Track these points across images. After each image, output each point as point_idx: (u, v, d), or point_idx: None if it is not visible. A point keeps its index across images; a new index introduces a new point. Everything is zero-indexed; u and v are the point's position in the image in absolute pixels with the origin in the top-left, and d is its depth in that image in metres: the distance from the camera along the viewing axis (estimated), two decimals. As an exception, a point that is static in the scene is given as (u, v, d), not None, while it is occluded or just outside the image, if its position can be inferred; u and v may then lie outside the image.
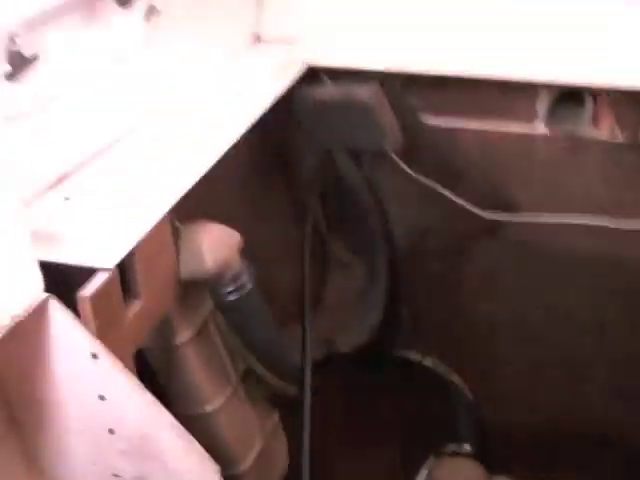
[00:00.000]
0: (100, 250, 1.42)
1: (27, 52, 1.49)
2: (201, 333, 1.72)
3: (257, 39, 2.19)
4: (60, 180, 1.60)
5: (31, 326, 1.33)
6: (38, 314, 1.32)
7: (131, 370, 1.42)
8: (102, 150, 1.69)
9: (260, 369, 1.84)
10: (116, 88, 1.73)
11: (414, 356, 2.52)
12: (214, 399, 1.76)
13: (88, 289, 1.36)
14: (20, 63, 1.48)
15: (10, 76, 1.49)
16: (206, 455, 1.35)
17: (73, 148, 1.62)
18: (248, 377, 1.88)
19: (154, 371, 1.72)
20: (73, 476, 1.49)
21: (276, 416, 1.99)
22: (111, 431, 1.39)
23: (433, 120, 2.17)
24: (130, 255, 1.45)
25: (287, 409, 1.99)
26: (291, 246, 2.15)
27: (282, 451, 2.01)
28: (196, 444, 1.35)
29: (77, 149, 1.63)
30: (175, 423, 1.35)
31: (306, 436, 1.84)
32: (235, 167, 1.88)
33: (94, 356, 1.33)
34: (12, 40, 1.47)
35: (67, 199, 1.54)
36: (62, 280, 1.38)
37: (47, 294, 1.32)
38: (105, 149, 1.69)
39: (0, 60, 1.45)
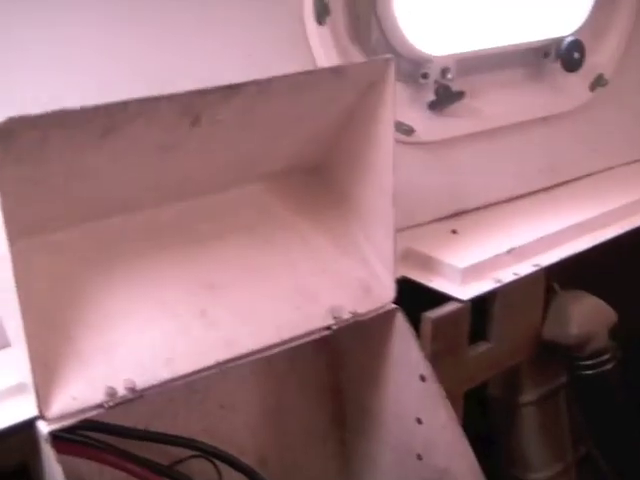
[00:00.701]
0: (463, 283, 1.45)
1: (455, 87, 1.56)
2: (548, 399, 1.69)
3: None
4: (455, 214, 1.65)
5: (373, 331, 1.40)
6: (383, 321, 1.38)
7: (457, 405, 1.42)
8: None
9: (600, 459, 1.75)
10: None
11: None
12: (542, 469, 1.71)
13: (434, 312, 1.40)
14: (445, 96, 1.56)
15: (433, 105, 1.57)
16: (496, 510, 1.32)
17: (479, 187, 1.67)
18: (586, 464, 1.79)
19: (491, 422, 1.71)
20: (376, 488, 1.53)
21: (604, 515, 1.88)
22: (419, 457, 1.41)
23: None
24: (491, 297, 1.47)
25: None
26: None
27: None
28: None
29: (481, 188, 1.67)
30: (478, 469, 1.33)
31: None
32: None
33: (422, 378, 1.36)
34: (443, 73, 1.56)
35: (454, 232, 1.59)
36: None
37: (396, 306, 1.37)
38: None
39: (428, 89, 1.54)
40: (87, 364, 1.15)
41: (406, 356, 1.38)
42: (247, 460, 1.41)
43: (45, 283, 1.17)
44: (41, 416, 1.10)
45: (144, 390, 1.16)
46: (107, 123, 1.06)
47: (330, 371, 1.55)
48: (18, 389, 1.15)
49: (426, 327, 1.39)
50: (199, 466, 1.39)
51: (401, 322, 1.37)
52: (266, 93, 1.17)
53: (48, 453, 1.09)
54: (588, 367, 1.61)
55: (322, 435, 1.58)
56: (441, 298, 1.45)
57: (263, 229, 1.37)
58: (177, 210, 1.32)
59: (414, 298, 1.42)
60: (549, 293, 1.60)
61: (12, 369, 1.16)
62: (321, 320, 1.31)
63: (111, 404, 1.13)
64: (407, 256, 1.51)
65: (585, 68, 1.76)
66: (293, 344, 1.28)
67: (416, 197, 1.57)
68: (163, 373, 1.18)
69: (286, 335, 1.28)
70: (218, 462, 1.39)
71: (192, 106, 1.12)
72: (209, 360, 1.22)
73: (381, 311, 1.36)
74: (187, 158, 1.22)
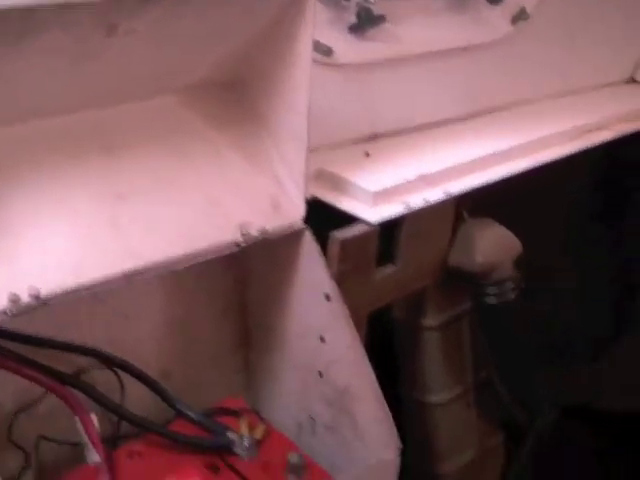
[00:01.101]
0: (371, 206, 1.46)
1: (377, 11, 1.56)
2: (451, 325, 1.73)
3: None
4: (370, 138, 1.66)
5: (280, 249, 1.41)
6: (291, 240, 1.39)
7: (360, 327, 1.44)
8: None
9: (498, 383, 1.80)
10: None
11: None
12: (441, 392, 1.76)
13: (343, 233, 1.41)
14: (366, 19, 1.55)
15: (353, 28, 1.56)
16: (394, 429, 1.35)
17: (396, 112, 1.67)
18: (485, 388, 1.84)
19: (394, 345, 1.74)
20: (277, 404, 1.56)
21: (500, 437, 1.94)
22: (321, 374, 1.44)
23: None
24: (400, 221, 1.48)
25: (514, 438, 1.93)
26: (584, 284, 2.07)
27: (493, 474, 1.96)
28: (388, 415, 1.35)
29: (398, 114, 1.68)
30: (377, 389, 1.36)
31: (516, 469, 1.78)
32: (549, 183, 1.84)
33: (327, 297, 1.37)
34: (366, -3, 1.55)
35: (368, 155, 1.60)
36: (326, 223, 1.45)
37: (305, 225, 1.38)
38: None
39: (349, 11, 1.53)
40: (-10, 270, 1.14)
41: (312, 275, 1.39)
42: (151, 373, 1.42)
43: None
44: (-60, 320, 1.09)
45: (48, 298, 1.15)
46: (20, 27, 1.03)
47: (237, 288, 1.56)
48: None
49: (334, 247, 1.40)
50: (102, 376, 1.40)
51: (309, 241, 1.38)
52: (184, 5, 1.15)
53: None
54: (491, 295, 1.64)
55: (227, 351, 1.60)
56: (350, 220, 1.46)
57: (177, 142, 1.36)
58: (90, 119, 1.30)
59: (324, 219, 1.43)
60: (458, 220, 1.62)
61: None
62: (229, 235, 1.32)
63: (14, 311, 1.12)
64: (319, 176, 1.51)
65: (507, 1, 1.77)
66: (200, 259, 1.29)
67: (331, 118, 1.57)
68: (68, 282, 1.17)
69: (193, 248, 1.28)
70: (121, 373, 1.40)
71: (108, 15, 1.10)
72: (116, 270, 1.21)
73: (290, 230, 1.38)
74: (103, 68, 1.20)
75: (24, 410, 1.36)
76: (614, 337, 2.28)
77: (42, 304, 1.15)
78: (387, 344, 1.74)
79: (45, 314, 1.18)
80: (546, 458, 1.95)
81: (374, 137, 1.67)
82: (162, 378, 1.46)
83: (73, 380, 1.33)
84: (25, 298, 1.13)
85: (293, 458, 1.33)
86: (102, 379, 1.40)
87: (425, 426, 1.76)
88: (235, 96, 1.40)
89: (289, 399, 1.53)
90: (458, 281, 1.68)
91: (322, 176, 1.52)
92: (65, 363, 1.37)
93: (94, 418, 1.30)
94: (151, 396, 1.42)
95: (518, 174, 1.65)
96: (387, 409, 1.35)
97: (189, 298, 1.52)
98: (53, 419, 1.41)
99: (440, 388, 1.76)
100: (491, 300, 1.64)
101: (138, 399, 1.43)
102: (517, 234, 1.68)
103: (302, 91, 1.30)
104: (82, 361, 1.39)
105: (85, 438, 1.30)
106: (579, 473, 2.23)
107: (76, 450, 1.39)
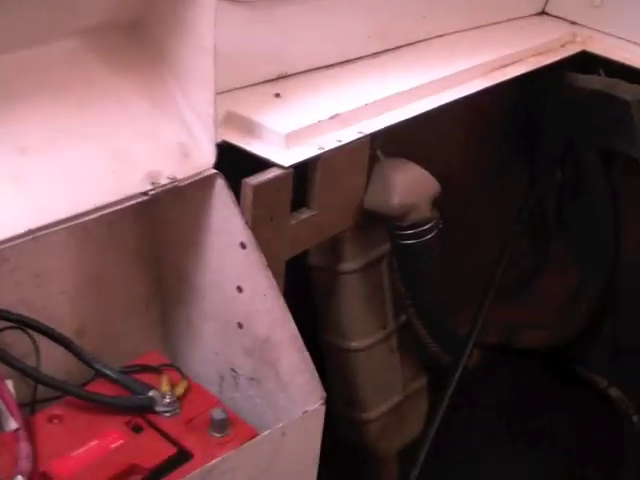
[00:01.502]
0: (284, 149, 1.42)
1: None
2: (370, 268, 1.70)
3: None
4: (279, 78, 1.61)
5: (193, 197, 1.36)
6: (202, 187, 1.35)
7: (279, 274, 1.40)
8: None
9: (419, 325, 1.79)
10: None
11: (599, 380, 2.35)
12: (362, 338, 1.74)
13: (254, 178, 1.37)
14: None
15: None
16: (317, 378, 1.32)
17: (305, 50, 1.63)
18: (406, 331, 1.83)
19: (312, 291, 1.71)
20: (197, 358, 1.51)
21: (424, 380, 1.94)
22: (240, 325, 1.40)
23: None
24: (313, 162, 1.44)
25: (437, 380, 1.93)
26: (502, 222, 2.06)
27: (418, 417, 1.96)
28: (311, 364, 1.32)
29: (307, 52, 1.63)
30: (297, 336, 1.32)
31: (440, 410, 1.78)
32: (464, 120, 1.82)
33: (242, 245, 1.33)
34: None
35: (278, 96, 1.55)
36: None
37: (216, 171, 1.33)
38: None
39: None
40: None
41: (226, 223, 1.35)
42: (65, 331, 1.37)
43: None
44: None
45: (-54, 259, 1.10)
46: None
47: (149, 239, 1.51)
48: None
49: (247, 193, 1.36)
50: (14, 338, 1.34)
51: (221, 188, 1.34)
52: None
53: None
54: (409, 236, 1.62)
55: (142, 304, 1.55)
56: (263, 164, 1.42)
57: (78, 89, 1.30)
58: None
59: (236, 164, 1.38)
60: (372, 161, 1.59)
61: None
62: (138, 185, 1.27)
63: None
64: (228, 120, 1.46)
65: None
66: (109, 210, 1.24)
67: (238, 58, 1.52)
68: (-31, 241, 1.12)
69: (101, 201, 1.23)
70: (34, 334, 1.34)
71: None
72: (20, 228, 1.16)
73: (201, 176, 1.33)
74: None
75: None
76: (531, 275, 2.29)
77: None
78: (304, 291, 1.70)
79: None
80: (469, 398, 1.95)
81: (283, 77, 1.62)
82: (77, 336, 1.42)
83: (-17, 345, 1.27)
84: None
85: (216, 414, 1.29)
86: (14, 342, 1.34)
87: (348, 373, 1.74)
88: (137, 38, 1.34)
89: (209, 352, 1.49)
90: (375, 223, 1.65)
91: (231, 119, 1.47)
92: (-28, 327, 1.31)
93: (9, 384, 1.25)
94: (68, 357, 1.37)
95: (432, 110, 1.62)
96: (309, 358, 1.32)
97: (100, 252, 1.46)
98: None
99: (361, 333, 1.74)
100: (409, 242, 1.62)
101: (54, 361, 1.38)
102: (433, 172, 1.65)
103: (207, 30, 1.25)
104: (-9, 324, 1.33)
105: (1, 405, 1.24)
106: (500, 411, 2.26)
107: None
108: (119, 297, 1.51)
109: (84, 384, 1.36)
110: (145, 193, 1.27)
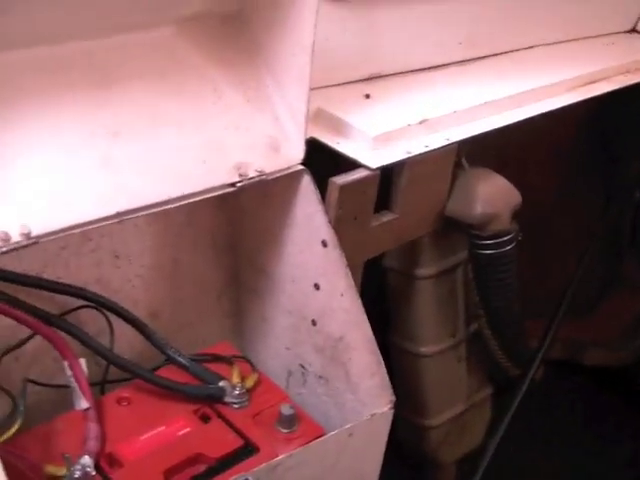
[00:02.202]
0: (371, 150, 1.42)
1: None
2: (445, 275, 1.70)
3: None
4: (370, 79, 1.61)
5: (279, 191, 1.37)
6: (289, 183, 1.35)
7: (356, 275, 1.40)
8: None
9: (490, 336, 1.77)
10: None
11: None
12: (432, 344, 1.74)
13: (341, 178, 1.37)
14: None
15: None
16: (387, 382, 1.31)
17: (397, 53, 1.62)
18: (476, 341, 1.82)
19: (385, 293, 1.71)
20: (267, 351, 1.52)
21: (489, 391, 1.92)
22: (314, 322, 1.40)
23: None
24: (399, 166, 1.44)
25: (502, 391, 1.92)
26: (580, 237, 2.04)
27: (480, 427, 1.95)
28: (382, 367, 1.31)
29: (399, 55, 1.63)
30: (371, 338, 1.32)
31: (505, 421, 1.76)
32: (544, 133, 1.80)
33: (324, 243, 1.33)
34: None
35: (368, 97, 1.55)
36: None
37: (303, 167, 1.33)
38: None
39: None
40: (-19, 206, 1.09)
41: (309, 220, 1.35)
42: (139, 314, 1.38)
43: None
44: None
45: (40, 237, 1.10)
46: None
47: (229, 230, 1.52)
48: None
49: (333, 192, 1.36)
50: (89, 317, 1.35)
51: (307, 184, 1.33)
52: None
53: None
54: (488, 247, 1.61)
55: (214, 293, 1.56)
56: (349, 165, 1.42)
57: (173, 76, 1.30)
58: (84, 48, 1.24)
59: (321, 162, 1.38)
60: (457, 169, 1.58)
61: None
62: (226, 176, 1.27)
63: (4, 250, 1.08)
64: (317, 117, 1.46)
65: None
66: (196, 199, 1.24)
67: (331, 56, 1.51)
68: (60, 220, 1.13)
69: (189, 189, 1.24)
70: (109, 314, 1.35)
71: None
72: (109, 210, 1.17)
73: (288, 171, 1.33)
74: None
75: (9, 352, 1.31)
76: (601, 294, 2.27)
77: (33, 243, 1.10)
78: (378, 293, 1.70)
79: (32, 251, 1.12)
80: (534, 412, 1.94)
81: (374, 78, 1.61)
82: (150, 319, 1.43)
83: (61, 322, 1.28)
84: (16, 236, 1.09)
85: (285, 409, 1.29)
86: (87, 321, 1.36)
87: (414, 378, 1.74)
88: (234, 30, 1.34)
89: (279, 346, 1.49)
90: (454, 231, 1.64)
91: (320, 117, 1.47)
92: (50, 303, 1.32)
93: (83, 363, 1.26)
94: (139, 340, 1.38)
95: (518, 123, 1.61)
96: (381, 361, 1.32)
97: (178, 238, 1.48)
98: (38, 362, 1.37)
99: (431, 340, 1.74)
100: (487, 252, 1.61)
101: (126, 343, 1.39)
102: (516, 185, 1.63)
103: (308, 28, 1.24)
104: (68, 302, 1.34)
105: (73, 383, 1.25)
106: (566, 426, 2.23)
107: (60, 392, 1.35)
108: (192, 285, 1.53)
109: (153, 369, 1.36)
110: (232, 184, 1.27)
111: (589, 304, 2.23)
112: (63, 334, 1.28)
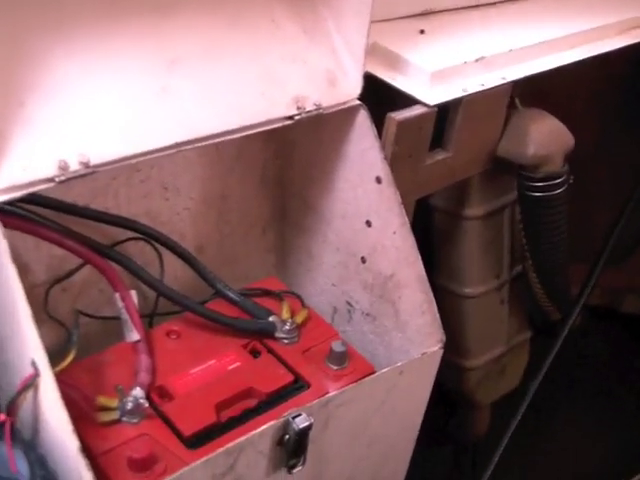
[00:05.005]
0: (428, 87, 1.39)
1: None
2: (492, 216, 1.68)
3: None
4: (423, 14, 1.58)
5: (333, 126, 1.34)
6: (345, 117, 1.32)
7: (408, 213, 1.38)
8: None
9: (534, 280, 1.76)
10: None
11: None
12: (476, 285, 1.73)
13: (400, 114, 1.34)
14: None
15: None
16: (438, 321, 1.30)
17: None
18: (519, 283, 1.81)
19: (431, 233, 1.69)
20: (312, 287, 1.51)
21: (528, 334, 1.92)
22: (363, 260, 1.39)
23: None
24: (454, 104, 1.42)
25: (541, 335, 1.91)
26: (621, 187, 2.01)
27: (518, 370, 1.95)
28: (434, 306, 1.30)
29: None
30: (424, 277, 1.30)
31: (545, 366, 1.76)
32: (589, 78, 1.77)
33: (378, 180, 1.31)
34: None
35: (423, 32, 1.52)
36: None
37: (360, 102, 1.31)
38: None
39: None
40: (40, 134, 1.06)
41: (364, 156, 1.33)
42: (185, 246, 1.36)
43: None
44: (-15, 185, 1.02)
45: (97, 166, 1.09)
46: None
47: (277, 163, 1.50)
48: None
49: (390, 128, 1.34)
50: (138, 248, 1.34)
51: (364, 120, 1.31)
52: None
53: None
54: (539, 189, 1.58)
55: (260, 228, 1.55)
56: (401, 101, 1.39)
57: (230, 6, 1.26)
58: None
59: (372, 97, 1.35)
60: (510, 109, 1.55)
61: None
62: (284, 109, 1.25)
63: (62, 178, 1.06)
64: (373, 52, 1.42)
65: None
66: (255, 131, 1.22)
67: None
68: (118, 149, 1.11)
69: (248, 121, 1.21)
70: (157, 245, 1.34)
71: None
72: (168, 140, 1.15)
73: (345, 106, 1.30)
74: None
75: (58, 282, 1.30)
76: (637, 242, 2.25)
77: (91, 172, 1.08)
78: (424, 232, 1.68)
79: (82, 181, 1.10)
80: (573, 357, 1.93)
81: (427, 13, 1.58)
82: (196, 252, 1.42)
83: (113, 253, 1.27)
84: (74, 165, 1.07)
85: (336, 346, 1.28)
86: (136, 254, 1.34)
87: (457, 319, 1.73)
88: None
89: (325, 282, 1.48)
90: (504, 172, 1.62)
91: (376, 51, 1.44)
92: (100, 234, 1.31)
93: (134, 294, 1.25)
94: (186, 274, 1.38)
95: (570, 65, 1.58)
96: (433, 300, 1.30)
97: (226, 171, 1.46)
98: (85, 293, 1.36)
99: (476, 281, 1.73)
100: (538, 194, 1.59)
101: (172, 276, 1.39)
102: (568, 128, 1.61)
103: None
104: (117, 233, 1.33)
105: (125, 315, 1.25)
106: (601, 373, 2.24)
107: (105, 324, 1.35)
108: (238, 219, 1.51)
109: (201, 303, 1.35)
110: (290, 117, 1.25)
111: (626, 251, 2.21)
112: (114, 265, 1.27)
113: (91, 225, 1.29)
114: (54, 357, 1.05)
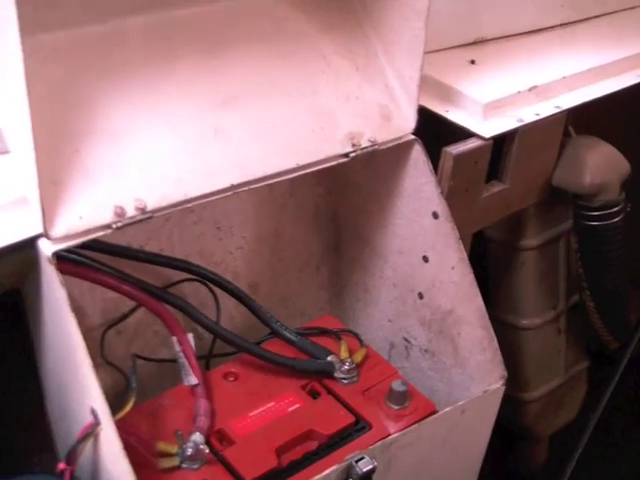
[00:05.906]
0: (482, 119, 1.38)
1: None
2: (548, 246, 1.66)
3: None
4: (474, 44, 1.57)
5: (388, 161, 1.33)
6: (400, 152, 1.31)
7: (465, 247, 1.35)
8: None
9: (592, 309, 1.73)
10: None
11: None
12: (533, 316, 1.71)
13: (455, 148, 1.33)
14: None
15: None
16: (500, 357, 1.27)
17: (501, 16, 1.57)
18: (576, 312, 1.78)
19: (487, 264, 1.67)
20: (368, 323, 1.49)
21: (585, 364, 1.88)
22: (421, 295, 1.36)
23: None
24: (510, 135, 1.40)
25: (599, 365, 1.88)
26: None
27: (576, 401, 1.92)
28: (494, 342, 1.28)
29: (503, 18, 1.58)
30: (484, 312, 1.28)
31: (605, 396, 1.73)
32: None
33: (435, 215, 1.29)
34: None
35: (474, 62, 1.50)
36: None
37: (415, 137, 1.29)
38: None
39: None
40: (95, 181, 1.05)
41: (420, 191, 1.31)
42: (239, 285, 1.35)
43: (51, 89, 1.05)
44: (45, 235, 1.01)
45: (154, 211, 1.07)
46: None
47: (331, 198, 1.48)
48: (16, 204, 1.05)
49: (447, 163, 1.32)
50: (193, 289, 1.33)
51: (419, 154, 1.29)
52: None
53: (50, 275, 1.01)
54: (596, 218, 1.56)
55: (313, 265, 1.53)
56: (454, 134, 1.37)
57: (281, 43, 1.26)
58: (189, 15, 1.20)
59: (423, 131, 1.33)
60: (564, 137, 1.53)
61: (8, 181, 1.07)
62: (339, 146, 1.23)
63: (119, 225, 1.05)
64: (424, 83, 1.39)
65: None
66: (310, 170, 1.20)
67: (435, 20, 1.46)
68: (175, 193, 1.09)
69: (303, 160, 1.20)
70: (211, 286, 1.33)
71: None
72: (223, 183, 1.13)
73: (400, 141, 1.29)
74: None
75: (113, 325, 1.29)
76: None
77: (148, 217, 1.07)
78: (478, 263, 1.66)
79: (137, 224, 1.09)
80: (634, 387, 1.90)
81: (477, 42, 1.56)
82: (250, 291, 1.41)
83: (169, 296, 1.25)
84: (131, 211, 1.06)
85: (397, 385, 1.26)
86: (190, 295, 1.33)
87: (514, 351, 1.71)
88: (341, -5, 1.30)
89: (382, 318, 1.46)
90: (559, 201, 1.60)
91: (426, 83, 1.41)
92: (153, 276, 1.30)
93: (191, 338, 1.24)
94: (240, 314, 1.36)
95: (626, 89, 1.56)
96: (493, 336, 1.28)
97: (279, 209, 1.45)
98: (139, 336, 1.35)
99: (533, 312, 1.70)
100: (595, 223, 1.56)
101: (227, 317, 1.37)
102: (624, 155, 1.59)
103: (423, -9, 1.19)
104: (171, 274, 1.31)
105: (182, 359, 1.23)
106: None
107: (160, 367, 1.34)
108: (292, 256, 1.50)
109: (256, 343, 1.33)
110: (346, 155, 1.23)
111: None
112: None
113: (146, 267, 1.29)
114: (110, 399, 1.04)
